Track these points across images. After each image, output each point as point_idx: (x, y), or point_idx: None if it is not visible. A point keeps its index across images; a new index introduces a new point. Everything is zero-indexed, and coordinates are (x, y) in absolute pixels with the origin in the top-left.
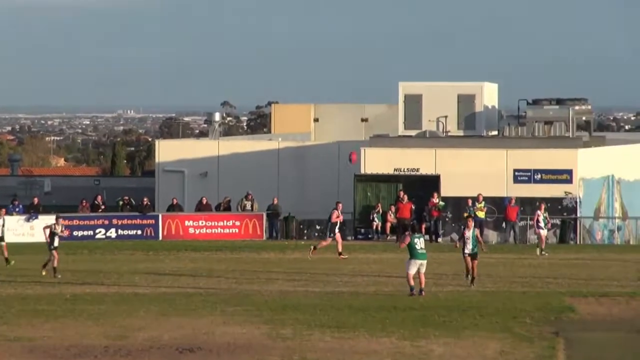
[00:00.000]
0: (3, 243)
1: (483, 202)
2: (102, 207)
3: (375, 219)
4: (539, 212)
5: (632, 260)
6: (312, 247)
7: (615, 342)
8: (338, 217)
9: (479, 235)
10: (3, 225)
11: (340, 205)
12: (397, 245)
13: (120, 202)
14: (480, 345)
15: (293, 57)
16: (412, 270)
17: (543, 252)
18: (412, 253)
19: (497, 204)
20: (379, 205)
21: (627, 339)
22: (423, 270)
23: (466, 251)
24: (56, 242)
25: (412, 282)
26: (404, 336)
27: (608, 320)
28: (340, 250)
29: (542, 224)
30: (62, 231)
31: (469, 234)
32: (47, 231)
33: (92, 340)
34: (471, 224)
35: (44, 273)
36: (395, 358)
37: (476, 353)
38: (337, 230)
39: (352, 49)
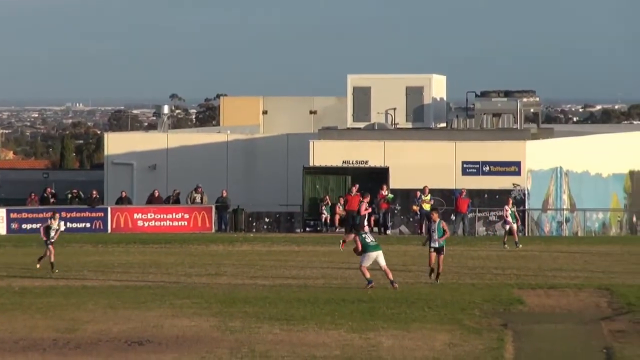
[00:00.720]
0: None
1: (429, 195)
2: (52, 199)
3: (324, 211)
4: (506, 207)
5: (580, 251)
6: (341, 241)
7: (563, 333)
8: (367, 209)
9: (445, 227)
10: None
11: (367, 197)
12: (340, 243)
13: (69, 195)
14: (428, 337)
15: (241, 50)
16: (367, 264)
17: (518, 245)
18: (365, 247)
19: (446, 196)
20: (327, 197)
21: (575, 330)
22: (383, 262)
23: (432, 244)
24: (52, 236)
25: (367, 275)
26: (353, 328)
27: (557, 312)
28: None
29: (510, 219)
30: (58, 225)
31: (434, 226)
32: (42, 229)
33: (40, 333)
34: (436, 216)
35: (38, 266)
36: (344, 350)
37: (425, 345)
38: (365, 222)
39: (300, 41)
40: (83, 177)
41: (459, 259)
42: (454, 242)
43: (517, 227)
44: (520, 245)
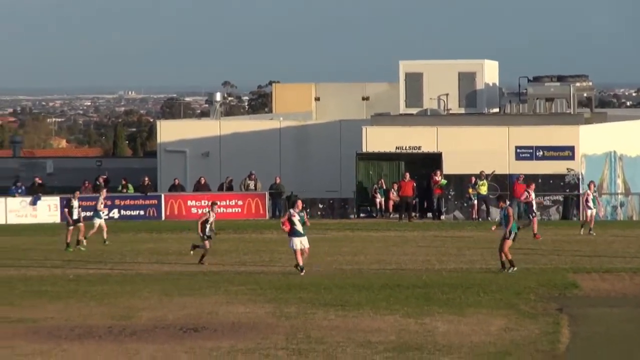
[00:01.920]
0: (80, 224)
1: (485, 179)
2: (105, 188)
3: (378, 194)
4: (588, 191)
5: (635, 236)
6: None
7: (618, 317)
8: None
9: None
10: (79, 207)
11: (533, 185)
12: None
13: (122, 184)
14: (484, 322)
15: (294, 36)
16: (297, 247)
17: (591, 232)
18: (291, 231)
19: (500, 181)
20: (382, 181)
21: (631, 314)
22: (307, 245)
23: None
24: (75, 216)
25: (299, 260)
26: (408, 313)
27: (611, 296)
28: (535, 230)
29: (591, 204)
30: (78, 205)
31: (211, 218)
32: (65, 210)
33: (96, 321)
34: (502, 204)
35: (71, 249)
36: (400, 335)
37: (481, 330)
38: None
39: (353, 28)
40: (136, 164)
41: (514, 243)
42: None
43: (597, 213)
44: (594, 233)
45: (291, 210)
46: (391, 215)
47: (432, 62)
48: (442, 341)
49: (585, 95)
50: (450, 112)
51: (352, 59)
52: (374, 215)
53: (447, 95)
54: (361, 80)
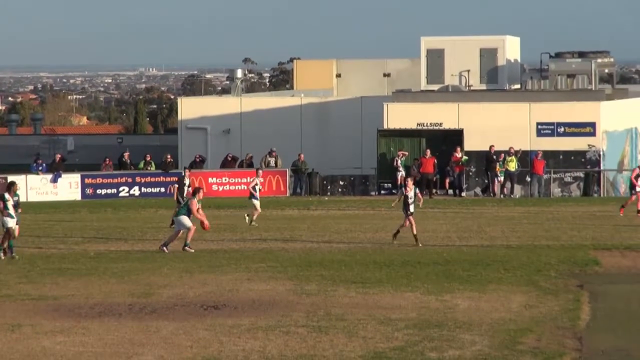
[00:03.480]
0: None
1: (515, 155)
2: (130, 166)
3: (400, 165)
4: (637, 169)
5: None
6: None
7: (639, 294)
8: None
9: (418, 193)
10: (188, 186)
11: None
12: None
13: (143, 161)
14: (505, 299)
15: (314, 13)
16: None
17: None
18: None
19: (522, 158)
20: (401, 152)
21: None
22: (189, 224)
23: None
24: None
25: (172, 240)
26: (429, 290)
27: (633, 273)
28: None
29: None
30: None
31: (411, 193)
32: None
33: (116, 298)
34: (410, 184)
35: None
36: (420, 313)
37: (501, 306)
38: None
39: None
40: (157, 142)
41: (534, 220)
42: (529, 203)
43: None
44: None
45: None
46: None
47: (454, 38)
48: (462, 318)
49: (606, 71)
50: (472, 88)
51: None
52: (395, 192)
53: (468, 71)
54: (383, 57)
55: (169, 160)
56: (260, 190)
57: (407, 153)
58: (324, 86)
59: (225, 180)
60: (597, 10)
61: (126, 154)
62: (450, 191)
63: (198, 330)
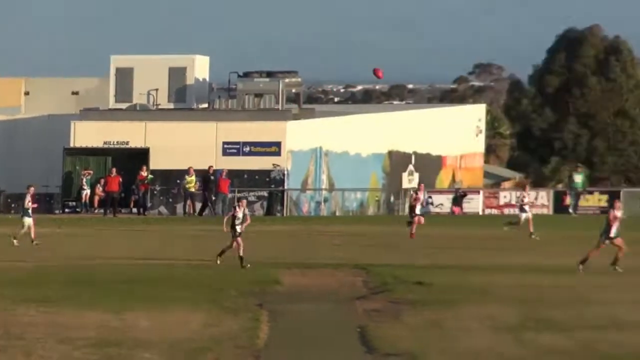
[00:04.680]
0: None
1: (194, 176)
2: None
3: (85, 184)
4: (524, 192)
5: (338, 231)
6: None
7: (318, 313)
8: None
9: (247, 215)
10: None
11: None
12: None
13: None
14: (185, 318)
15: (10, 29)
16: None
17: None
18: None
19: (206, 177)
20: (87, 171)
21: (331, 309)
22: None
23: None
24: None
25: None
26: (109, 309)
27: (313, 292)
28: None
29: (527, 207)
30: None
31: (240, 214)
32: None
33: None
34: (243, 204)
35: None
36: (100, 331)
37: (182, 325)
38: None
39: (67, 22)
40: None
41: (218, 240)
42: (213, 222)
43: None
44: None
45: None
46: (96, 211)
47: (143, 57)
48: (142, 337)
49: (293, 90)
50: (160, 107)
51: (64, 54)
52: (79, 210)
53: (156, 90)
54: (73, 75)
55: None
56: None
57: (92, 172)
58: (12, 104)
59: None
60: (287, 32)
61: None
62: (135, 210)
63: None
